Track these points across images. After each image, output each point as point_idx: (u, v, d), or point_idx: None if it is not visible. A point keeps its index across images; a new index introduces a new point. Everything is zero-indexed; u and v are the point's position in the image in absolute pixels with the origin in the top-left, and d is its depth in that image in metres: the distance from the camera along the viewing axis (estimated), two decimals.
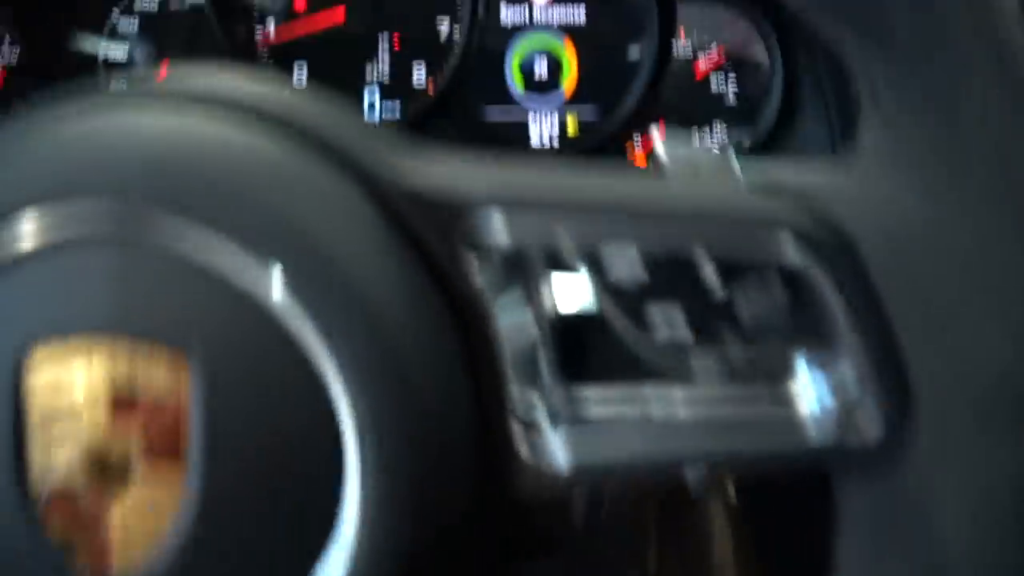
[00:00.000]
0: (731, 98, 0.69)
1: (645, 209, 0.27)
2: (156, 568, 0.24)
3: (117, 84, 0.29)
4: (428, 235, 0.28)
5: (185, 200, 0.25)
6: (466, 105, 0.70)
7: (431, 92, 0.69)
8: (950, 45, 0.24)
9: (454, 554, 0.28)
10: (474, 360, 0.28)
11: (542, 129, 0.71)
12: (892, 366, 0.25)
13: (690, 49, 0.70)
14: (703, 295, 0.26)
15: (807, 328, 0.27)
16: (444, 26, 0.69)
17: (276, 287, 0.25)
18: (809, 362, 0.27)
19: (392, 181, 0.27)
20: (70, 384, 0.25)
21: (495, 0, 0.69)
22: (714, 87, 0.70)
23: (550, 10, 0.70)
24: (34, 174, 0.25)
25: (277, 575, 0.25)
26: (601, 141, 0.69)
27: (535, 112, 0.71)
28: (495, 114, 0.71)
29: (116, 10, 0.70)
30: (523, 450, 0.28)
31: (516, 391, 0.28)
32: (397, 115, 0.69)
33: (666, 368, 0.28)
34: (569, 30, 0.70)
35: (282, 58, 0.69)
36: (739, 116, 0.69)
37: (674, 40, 0.68)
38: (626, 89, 0.68)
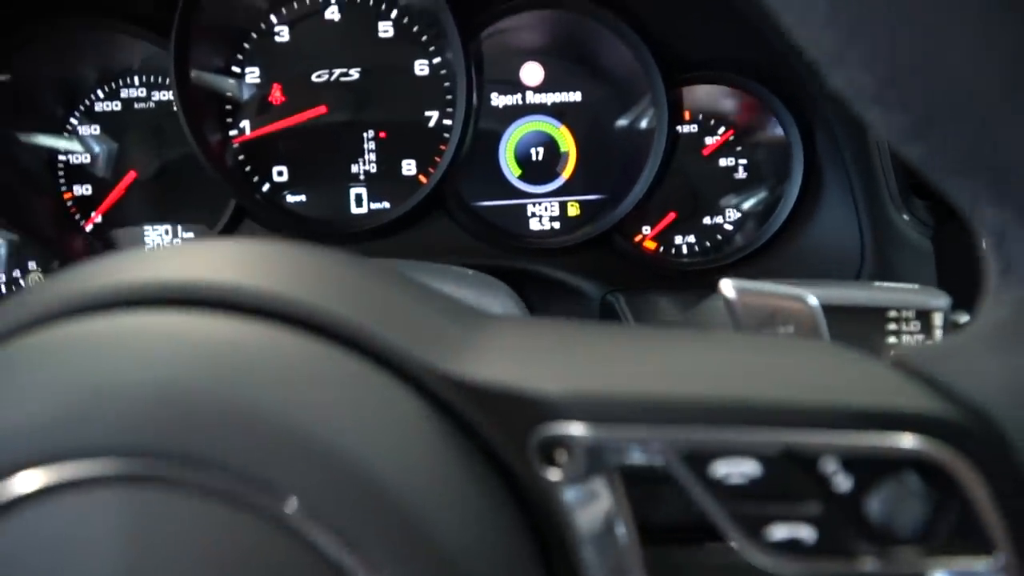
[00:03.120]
0: (741, 173, 0.66)
1: (760, 408, 0.22)
2: None
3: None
4: (492, 438, 0.23)
5: (198, 448, 0.20)
6: (460, 196, 0.66)
7: (423, 182, 0.65)
8: None
9: None
10: (552, 568, 0.24)
11: (542, 216, 0.67)
12: None
13: (696, 127, 0.66)
14: (827, 495, 0.22)
15: (950, 533, 0.23)
16: (434, 114, 0.65)
17: (318, 535, 0.20)
18: (956, 565, 0.23)
19: (445, 375, 0.23)
20: None
21: (487, 87, 0.66)
22: (723, 164, 0.66)
23: (543, 94, 0.66)
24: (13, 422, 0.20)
25: None
26: (607, 229, 0.65)
27: (535, 201, 0.67)
28: (491, 203, 0.67)
29: (75, 115, 0.65)
30: None
31: None
32: (388, 207, 0.65)
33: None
34: (565, 113, 0.66)
35: (259, 157, 0.65)
36: (750, 196, 0.66)
37: (681, 122, 0.65)
38: (631, 172, 0.64)
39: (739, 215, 0.67)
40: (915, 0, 0.20)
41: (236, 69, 0.65)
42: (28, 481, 0.21)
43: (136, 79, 0.66)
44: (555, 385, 0.23)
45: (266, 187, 0.65)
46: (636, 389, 0.23)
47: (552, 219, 0.67)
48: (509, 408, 0.23)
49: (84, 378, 0.21)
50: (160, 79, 0.65)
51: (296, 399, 0.22)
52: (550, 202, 0.67)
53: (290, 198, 0.66)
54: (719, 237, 0.67)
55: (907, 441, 0.22)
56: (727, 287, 0.28)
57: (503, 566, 0.23)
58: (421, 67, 0.65)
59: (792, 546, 0.23)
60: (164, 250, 0.25)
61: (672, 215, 0.66)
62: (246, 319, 0.23)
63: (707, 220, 0.66)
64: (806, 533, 0.22)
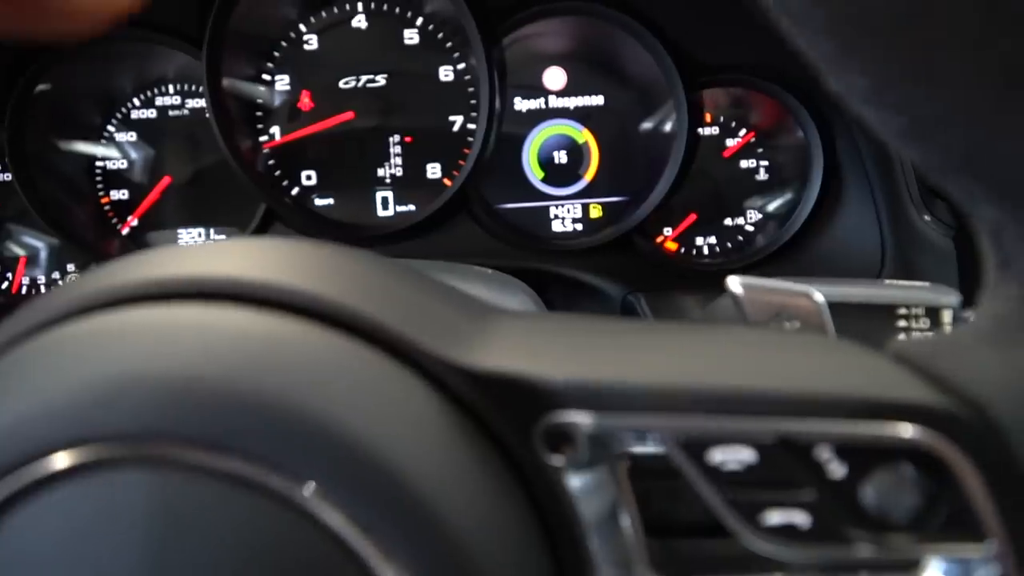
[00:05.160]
0: (763, 175, 0.67)
1: (758, 397, 0.23)
2: None
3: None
4: (500, 426, 0.24)
5: (216, 434, 0.22)
6: (484, 198, 0.67)
7: (447, 185, 0.66)
8: None
9: None
10: (557, 554, 0.25)
11: (564, 218, 0.68)
12: None
13: (717, 130, 0.67)
14: (822, 482, 0.23)
15: (943, 521, 0.23)
16: (458, 119, 0.66)
17: (329, 517, 0.21)
18: (944, 560, 0.23)
19: (456, 365, 0.24)
20: None
21: (510, 92, 0.67)
22: (743, 166, 0.67)
23: (566, 98, 0.68)
24: (44, 407, 0.22)
25: None
26: (629, 230, 0.66)
27: (556, 202, 0.68)
28: (514, 205, 0.68)
29: (112, 123, 0.68)
30: None
31: None
32: (413, 210, 0.66)
33: (775, 563, 0.24)
34: (587, 117, 0.67)
35: (288, 161, 0.66)
36: (771, 197, 0.67)
37: (702, 124, 0.66)
38: (652, 174, 0.65)
39: (760, 216, 0.67)
40: (911, 6, 0.21)
41: (266, 77, 0.66)
42: (58, 462, 0.22)
43: (171, 87, 0.68)
44: (559, 374, 0.24)
45: (295, 191, 0.67)
46: (637, 379, 0.24)
47: (574, 221, 0.68)
48: (515, 397, 0.24)
49: (113, 365, 0.22)
50: (194, 87, 0.67)
51: (312, 388, 0.23)
52: (572, 204, 0.68)
53: (318, 201, 0.68)
54: (740, 238, 0.67)
55: (902, 431, 0.23)
56: (734, 283, 0.29)
57: (510, 551, 0.24)
58: (446, 73, 0.66)
59: (787, 531, 0.23)
60: (191, 248, 0.27)
61: (693, 216, 0.67)
62: (266, 313, 0.24)
63: (728, 221, 0.67)
64: (801, 519, 0.23)
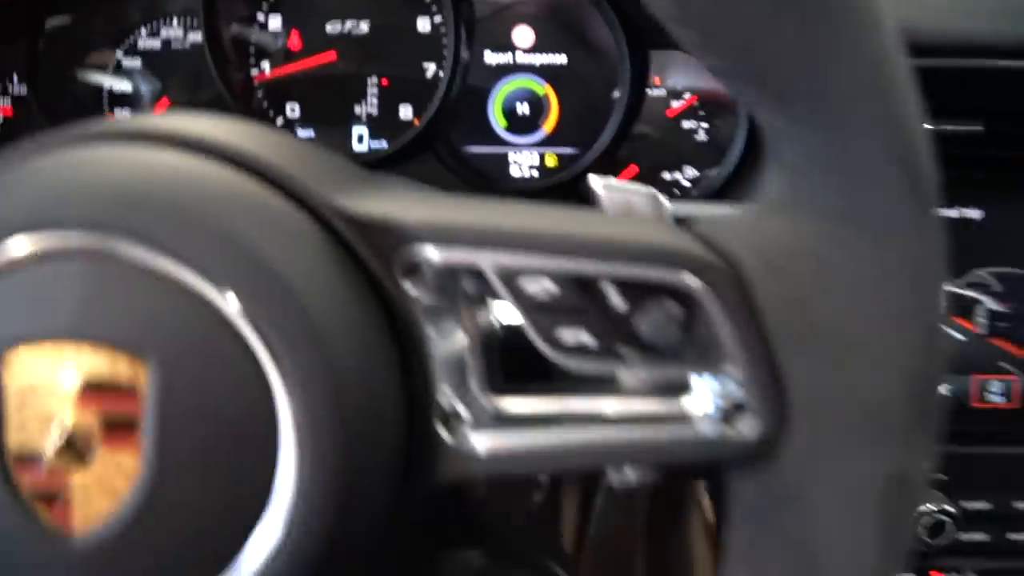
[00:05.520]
0: (702, 136, 0.73)
1: (559, 240, 0.30)
2: (110, 531, 0.28)
3: (97, 123, 0.32)
4: (368, 258, 0.31)
5: (149, 228, 0.28)
6: (449, 140, 0.74)
7: (416, 124, 0.73)
8: (846, 119, 0.28)
9: (382, 533, 0.32)
10: (406, 367, 0.32)
11: (522, 164, 0.74)
12: (772, 381, 0.28)
13: (664, 92, 0.73)
14: (605, 312, 0.30)
15: (702, 344, 0.30)
16: (431, 67, 0.73)
17: (228, 302, 0.28)
18: (702, 372, 0.30)
19: (335, 207, 0.31)
20: (44, 378, 0.28)
21: (479, 45, 0.73)
22: (685, 127, 0.73)
23: (533, 55, 0.74)
24: (17, 203, 0.29)
25: (216, 543, 0.28)
26: (577, 176, 0.72)
27: (516, 149, 0.75)
28: (477, 149, 0.75)
29: (121, 49, 0.75)
30: (446, 439, 0.31)
31: (444, 399, 0.32)
32: (385, 146, 0.73)
33: (577, 380, 0.31)
34: (551, 74, 0.74)
35: (276, 95, 0.73)
36: (709, 157, 0.73)
37: (648, 86, 0.72)
38: (602, 129, 0.72)
39: (697, 174, 0.74)
40: None
41: (260, 17, 0.73)
42: (17, 246, 0.29)
43: (175, 20, 0.75)
44: (413, 216, 0.31)
45: (280, 121, 0.74)
46: (471, 220, 0.30)
47: (531, 167, 0.75)
48: (379, 234, 0.31)
49: (66, 174, 0.29)
50: (195, 22, 0.74)
51: (227, 208, 0.30)
52: (531, 152, 0.75)
53: (301, 132, 0.75)
54: (676, 191, 0.74)
55: (672, 275, 0.29)
56: (595, 181, 0.35)
57: (370, 358, 0.31)
58: (423, 25, 0.73)
59: (578, 349, 0.30)
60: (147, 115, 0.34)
61: (635, 168, 0.73)
62: (200, 156, 0.31)
63: (666, 176, 0.74)
64: (588, 340, 0.30)
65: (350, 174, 0.34)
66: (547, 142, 0.75)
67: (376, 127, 0.74)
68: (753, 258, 0.29)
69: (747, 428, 0.29)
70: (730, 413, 0.29)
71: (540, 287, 0.30)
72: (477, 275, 0.31)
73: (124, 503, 0.28)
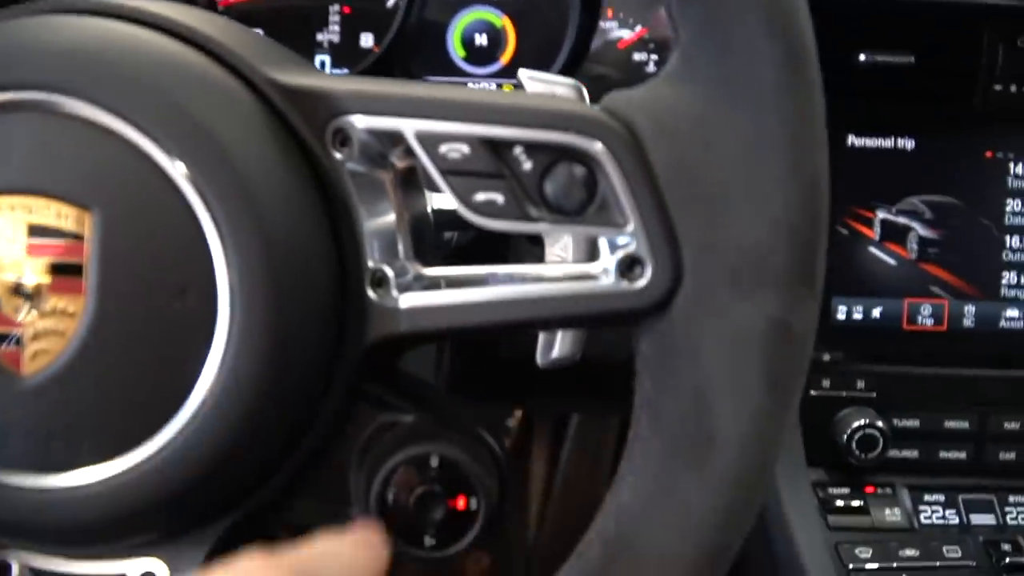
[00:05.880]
0: (651, 68, 0.76)
1: (474, 108, 0.32)
2: (59, 370, 0.30)
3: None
4: (300, 126, 0.34)
5: (95, 88, 0.31)
6: (408, 68, 0.76)
7: (375, 51, 0.75)
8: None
9: (316, 391, 0.34)
10: (337, 232, 0.34)
11: None
12: (665, 236, 0.31)
13: (616, 24, 0.76)
14: (514, 173, 0.32)
15: (603, 204, 0.32)
16: None
17: (173, 164, 0.31)
18: (603, 230, 0.33)
19: (271, 79, 0.33)
20: None
21: None
22: (636, 59, 0.76)
23: None
24: None
25: (157, 388, 0.31)
26: None
27: (474, 80, 0.77)
28: (436, 79, 0.77)
29: None
30: (374, 300, 0.34)
31: (374, 264, 0.34)
32: (346, 72, 0.75)
33: (495, 243, 0.34)
34: (508, 6, 0.76)
35: (239, 22, 0.75)
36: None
37: (600, 16, 0.75)
38: (555, 59, 0.74)
39: None
40: None
41: None
42: None
43: None
44: (343, 87, 0.33)
45: None
46: (394, 91, 0.33)
47: None
48: (312, 103, 0.33)
49: (17, 37, 0.31)
50: None
51: (172, 78, 0.32)
52: (488, 82, 0.77)
53: None
54: None
55: (573, 139, 0.32)
56: (523, 74, 0.38)
57: (301, 219, 0.33)
58: None
59: (489, 208, 0.33)
60: None
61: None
62: (144, 27, 0.33)
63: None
64: (499, 199, 0.32)
65: (287, 55, 0.37)
66: (504, 73, 0.77)
67: (338, 55, 0.76)
68: (648, 124, 0.32)
69: (643, 281, 0.32)
70: (628, 268, 0.32)
71: (458, 153, 0.32)
72: (406, 149, 0.33)
73: (71, 344, 0.31)
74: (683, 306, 0.31)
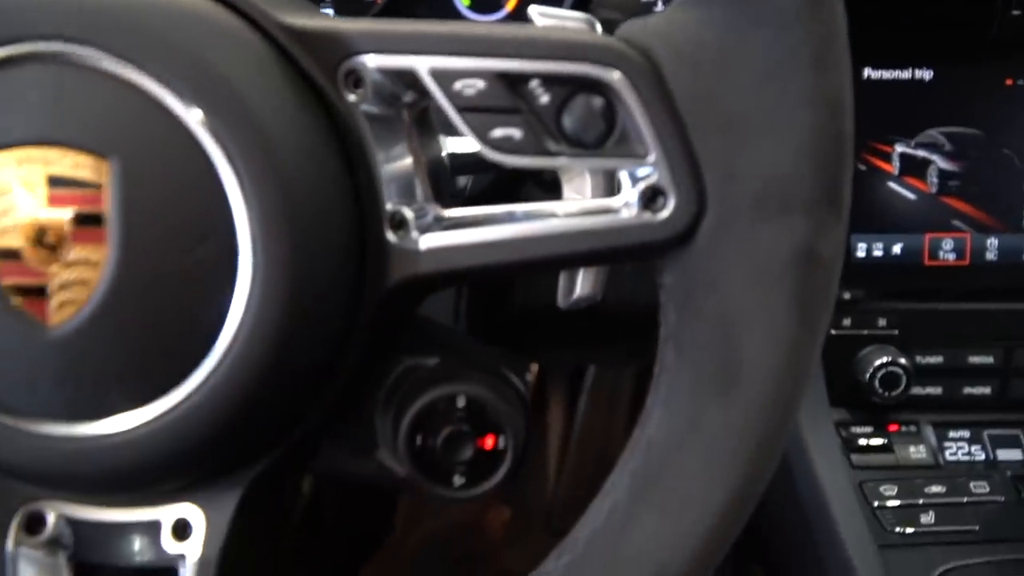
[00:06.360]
0: (660, 8, 0.75)
1: (488, 42, 0.32)
2: (84, 319, 0.30)
3: None
4: (312, 70, 0.33)
5: (109, 37, 0.30)
6: (415, 14, 0.75)
7: (378, 3, 0.74)
8: None
9: (337, 334, 0.34)
10: (354, 176, 0.34)
11: None
12: (687, 164, 0.31)
13: None
14: (532, 107, 0.32)
15: (623, 135, 0.32)
16: None
17: (190, 113, 0.31)
18: (623, 162, 0.32)
19: (281, 23, 0.33)
20: (15, 181, 0.31)
21: None
22: None
23: None
24: None
25: (181, 335, 0.31)
26: None
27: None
28: None
29: None
30: (394, 242, 0.33)
31: (392, 206, 0.34)
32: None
33: (508, 190, 0.34)
34: None
35: None
36: None
37: None
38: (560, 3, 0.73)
39: None
40: None
41: None
42: None
43: None
44: (355, 27, 0.33)
45: None
46: (408, 30, 0.32)
47: None
48: (323, 45, 0.33)
49: None
50: None
51: (187, 26, 0.31)
52: None
53: None
54: None
55: (591, 69, 0.32)
56: (533, 10, 0.37)
57: (317, 162, 0.33)
58: None
59: (507, 143, 0.32)
60: None
61: None
62: None
63: None
64: (517, 134, 0.32)
65: (295, 1, 0.36)
66: (508, 19, 0.76)
67: (341, 6, 0.75)
68: (666, 50, 0.31)
69: (666, 212, 0.31)
70: (650, 199, 0.32)
71: (474, 89, 0.32)
72: (420, 89, 0.33)
73: (96, 293, 0.31)
74: (707, 235, 0.31)
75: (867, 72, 0.67)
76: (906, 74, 0.69)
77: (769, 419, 0.31)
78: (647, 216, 0.32)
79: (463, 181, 0.53)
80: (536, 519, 1.26)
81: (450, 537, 1.22)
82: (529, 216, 0.33)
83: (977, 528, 0.66)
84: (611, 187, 0.34)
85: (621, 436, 1.32)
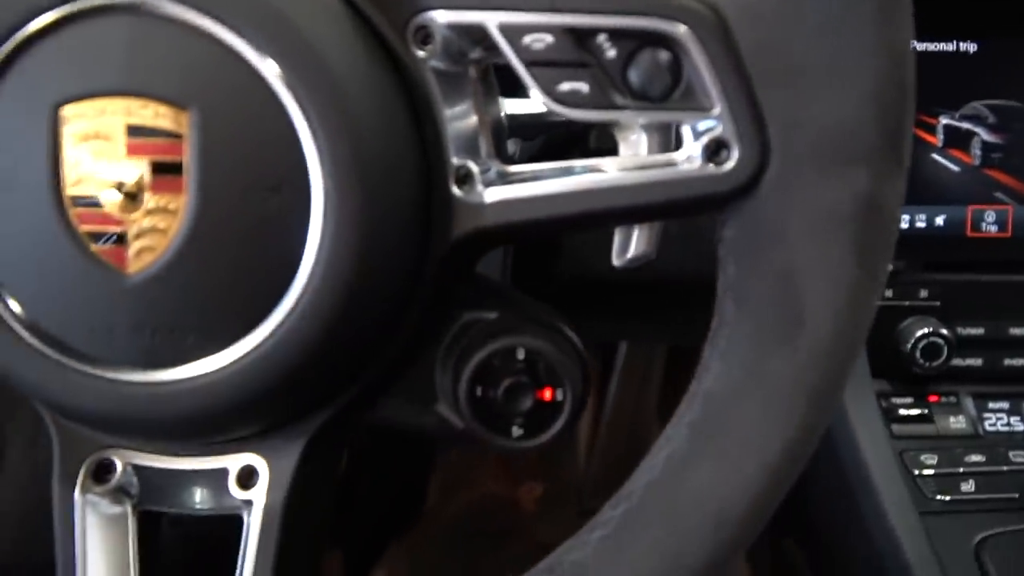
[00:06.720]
0: None
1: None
2: (161, 267, 0.31)
3: None
4: (382, 25, 0.34)
5: None
6: None
7: None
8: None
9: (403, 286, 0.35)
10: (422, 130, 0.35)
11: None
12: (751, 116, 0.31)
13: None
14: (599, 61, 0.32)
15: (688, 88, 0.33)
16: None
17: (267, 65, 0.31)
18: (688, 115, 0.33)
19: None
20: (95, 130, 0.32)
21: None
22: None
23: None
24: None
25: (254, 285, 0.32)
26: None
27: None
28: None
29: None
30: (459, 195, 0.34)
31: (457, 161, 0.35)
32: None
33: (561, 147, 0.34)
34: None
35: None
36: None
37: None
38: None
39: None
40: None
41: None
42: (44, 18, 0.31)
43: None
44: None
45: None
46: None
47: None
48: (394, 1, 0.34)
49: None
50: None
51: None
52: None
53: None
54: None
55: (658, 23, 0.32)
56: None
57: (386, 116, 0.34)
58: None
59: (573, 97, 0.33)
60: None
61: None
62: None
63: None
64: (584, 88, 0.33)
65: None
66: None
67: None
68: (732, 4, 0.32)
69: (730, 164, 0.32)
70: (714, 152, 0.32)
71: (542, 44, 0.32)
72: (488, 46, 0.33)
73: (174, 241, 0.32)
74: (770, 186, 0.32)
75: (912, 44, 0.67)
76: (951, 46, 0.69)
77: (830, 365, 0.31)
78: (711, 168, 0.32)
79: (512, 148, 0.54)
80: (568, 496, 1.27)
81: (483, 511, 1.23)
82: (590, 170, 0.34)
83: (1017, 496, 0.66)
84: (668, 144, 0.35)
85: (652, 415, 1.32)
